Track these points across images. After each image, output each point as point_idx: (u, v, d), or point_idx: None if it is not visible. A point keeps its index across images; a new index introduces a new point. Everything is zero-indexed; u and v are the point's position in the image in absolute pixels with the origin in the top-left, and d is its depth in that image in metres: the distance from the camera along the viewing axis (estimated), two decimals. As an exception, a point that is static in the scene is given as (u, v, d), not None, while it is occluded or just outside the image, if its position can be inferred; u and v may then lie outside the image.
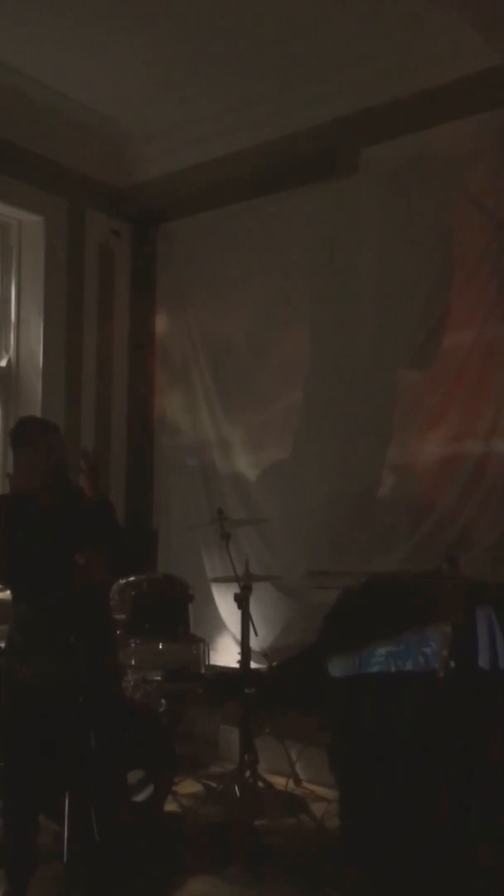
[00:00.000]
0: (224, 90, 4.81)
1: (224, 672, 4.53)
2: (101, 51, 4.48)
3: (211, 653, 4.53)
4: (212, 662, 4.52)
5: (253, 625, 4.20)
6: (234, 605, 4.20)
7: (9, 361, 5.25)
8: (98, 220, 5.56)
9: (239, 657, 4.25)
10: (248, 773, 4.08)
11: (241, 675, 4.21)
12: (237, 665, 4.27)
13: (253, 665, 4.32)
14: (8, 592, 3.15)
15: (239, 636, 4.29)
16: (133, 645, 4.19)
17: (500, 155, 4.13)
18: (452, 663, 3.40)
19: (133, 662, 4.19)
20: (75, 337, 5.40)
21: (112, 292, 5.69)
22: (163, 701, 4.21)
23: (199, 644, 4.39)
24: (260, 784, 4.10)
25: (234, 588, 4.18)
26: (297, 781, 4.32)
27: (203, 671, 4.37)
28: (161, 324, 5.69)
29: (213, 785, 4.21)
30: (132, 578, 4.31)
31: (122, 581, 4.30)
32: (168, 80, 4.75)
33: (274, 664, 4.58)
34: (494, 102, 4.14)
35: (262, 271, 5.08)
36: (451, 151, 4.28)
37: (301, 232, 4.90)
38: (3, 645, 3.27)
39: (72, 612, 2.79)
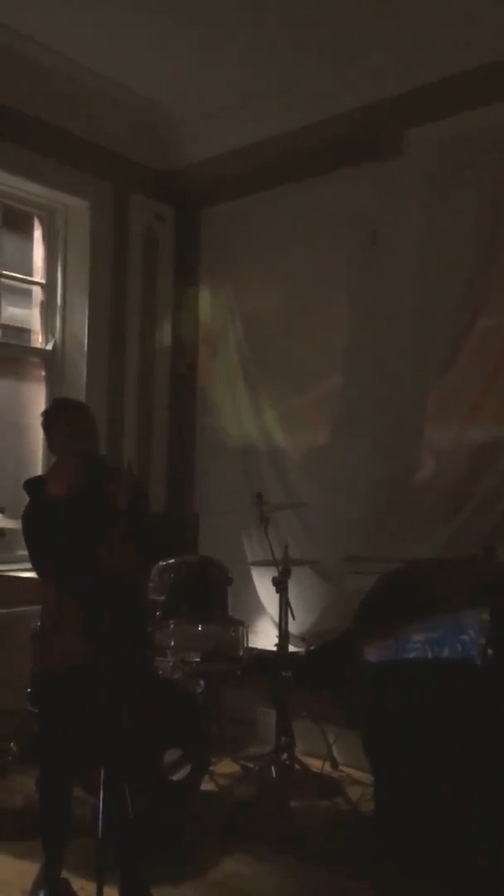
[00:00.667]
0: (268, 72, 4.79)
1: (262, 655, 4.55)
2: (146, 33, 4.49)
3: (249, 635, 4.56)
4: (250, 645, 4.54)
5: (291, 608, 4.21)
6: (273, 588, 4.22)
7: (55, 345, 5.33)
8: (142, 204, 5.59)
9: (277, 640, 4.28)
10: (284, 755, 4.11)
11: (279, 657, 4.24)
12: (275, 648, 4.30)
13: (291, 648, 4.35)
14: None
15: (277, 619, 4.31)
16: (172, 626, 4.24)
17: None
18: (490, 651, 3.38)
19: (172, 644, 4.23)
20: (119, 320, 5.45)
21: (156, 276, 5.72)
22: (201, 682, 4.25)
23: (238, 626, 4.42)
24: (296, 766, 4.13)
25: (273, 572, 4.19)
26: (334, 764, 4.33)
27: (241, 653, 4.40)
28: (204, 307, 5.71)
29: (250, 766, 4.24)
30: (171, 561, 4.36)
31: (162, 563, 4.34)
32: (212, 62, 4.74)
33: (311, 648, 4.60)
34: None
35: (305, 254, 5.06)
36: (496, 133, 4.20)
37: (344, 215, 4.87)
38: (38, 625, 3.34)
39: (99, 595, 2.81)
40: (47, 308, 5.35)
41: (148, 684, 3.65)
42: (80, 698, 2.87)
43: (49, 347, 5.32)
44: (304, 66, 4.69)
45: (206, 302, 5.70)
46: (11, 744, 4.19)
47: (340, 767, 4.34)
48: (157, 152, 5.65)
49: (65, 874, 3.07)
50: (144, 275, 5.64)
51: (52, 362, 5.32)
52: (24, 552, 3.17)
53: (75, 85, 4.93)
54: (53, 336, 5.34)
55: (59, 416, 3.11)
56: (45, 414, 3.17)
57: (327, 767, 4.29)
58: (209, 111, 5.27)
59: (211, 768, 4.03)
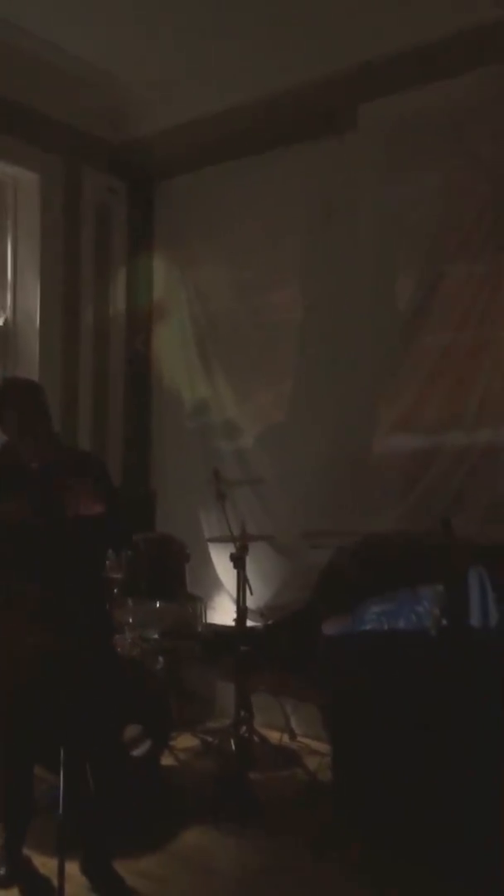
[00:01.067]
0: (222, 44, 4.71)
1: (220, 630, 4.59)
2: (98, 2, 4.38)
3: (207, 611, 4.59)
4: (208, 621, 4.57)
5: (249, 584, 4.24)
6: (231, 564, 4.24)
7: (6, 321, 5.23)
8: (95, 178, 5.49)
9: (235, 616, 4.31)
10: (243, 728, 4.16)
11: (237, 633, 4.27)
12: (233, 623, 4.33)
13: (249, 623, 4.38)
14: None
15: (235, 595, 4.34)
16: (130, 603, 4.24)
17: (500, 111, 4.06)
18: (444, 622, 3.45)
19: (130, 621, 4.24)
20: (72, 295, 5.36)
21: (109, 250, 5.64)
22: (160, 658, 4.28)
23: (196, 603, 4.45)
24: (255, 739, 4.18)
25: (231, 548, 4.21)
26: (292, 736, 4.40)
27: (200, 629, 4.43)
28: (159, 281, 5.65)
29: (210, 740, 4.29)
30: (129, 538, 4.34)
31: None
32: (166, 33, 4.64)
33: (269, 622, 4.64)
34: (495, 57, 4.06)
35: (260, 229, 5.03)
36: (451, 108, 4.21)
37: (299, 189, 4.85)
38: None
39: (59, 569, 2.80)
40: (-3, 284, 5.25)
41: (106, 661, 3.65)
42: (36, 675, 2.86)
43: (0, 323, 5.23)
44: (259, 39, 4.63)
45: (160, 277, 5.64)
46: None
47: (298, 738, 4.41)
48: (110, 124, 5.54)
49: (26, 851, 3.07)
50: (97, 249, 5.55)
51: (3, 338, 5.22)
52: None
53: (24, 55, 4.79)
54: (4, 312, 5.24)
55: (5, 396, 3.04)
56: None
57: (285, 739, 4.35)
58: (163, 83, 5.18)
59: (171, 743, 4.06)
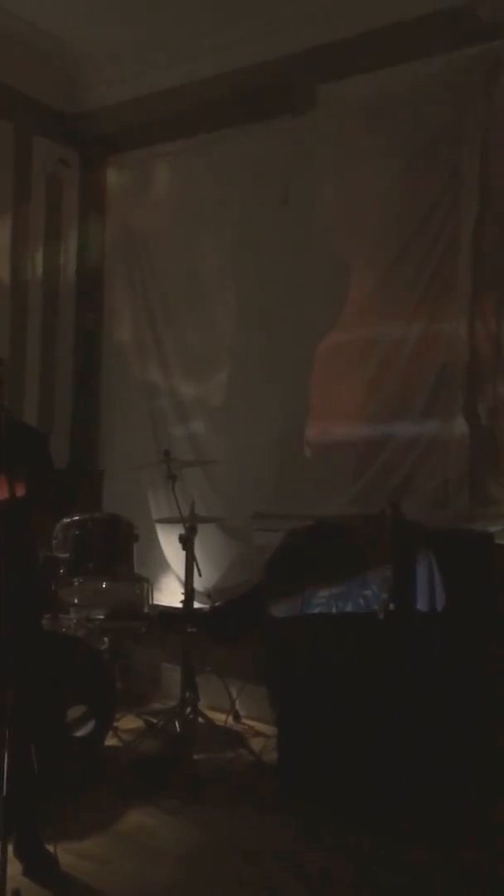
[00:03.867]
0: (181, 17, 4.64)
1: (167, 611, 4.56)
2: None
3: (154, 592, 4.55)
4: (155, 602, 4.54)
5: (197, 565, 4.21)
6: (179, 545, 4.20)
7: (-49, 293, 5.10)
8: (46, 147, 5.38)
9: (182, 597, 4.28)
10: (188, 710, 4.14)
11: (184, 614, 4.25)
12: (180, 604, 4.30)
13: (196, 605, 4.36)
14: None
15: (183, 576, 4.31)
16: (76, 583, 4.18)
17: (458, 97, 4.08)
18: (392, 606, 3.48)
19: (76, 601, 4.18)
20: (21, 267, 5.24)
21: (59, 221, 5.53)
22: (105, 639, 4.23)
23: (143, 583, 4.40)
24: (200, 720, 4.17)
25: (179, 529, 4.17)
26: (237, 717, 4.40)
27: (146, 610, 4.39)
28: (111, 256, 5.55)
29: (154, 721, 4.26)
30: (76, 517, 4.28)
31: (67, 520, 4.26)
32: (124, 3, 4.55)
33: (217, 604, 4.63)
34: (454, 44, 4.08)
35: (215, 206, 4.99)
36: (409, 91, 4.21)
37: (256, 168, 4.81)
38: None
39: None
40: None
41: (48, 641, 3.60)
42: None
43: None
44: (219, 14, 4.57)
45: (112, 251, 5.54)
46: None
47: (243, 720, 4.41)
48: (63, 94, 5.42)
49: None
50: (48, 220, 5.44)
51: None
52: None
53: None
54: (-49, 283, 5.11)
55: None
56: None
57: (230, 721, 4.35)
58: (119, 54, 5.09)
59: (115, 724, 4.02)
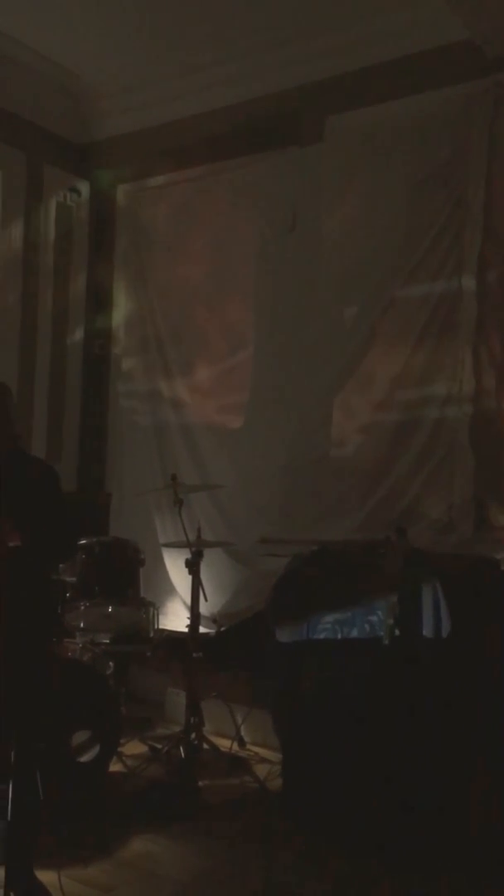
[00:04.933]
0: (190, 50, 4.74)
1: (172, 636, 4.56)
2: (69, 4, 4.37)
3: (160, 617, 4.56)
4: (161, 626, 4.54)
5: (203, 590, 4.23)
6: (185, 570, 4.22)
7: (-38, 319, 5.15)
8: (57, 176, 5.45)
9: (188, 621, 4.29)
10: (193, 735, 4.14)
11: (190, 639, 4.25)
12: (186, 629, 4.31)
13: (201, 630, 4.36)
14: None
15: (188, 601, 4.32)
16: (82, 607, 4.19)
17: (463, 130, 4.14)
18: (397, 632, 3.48)
19: (82, 625, 4.19)
20: (31, 293, 5.30)
21: (70, 249, 5.59)
22: (110, 663, 4.23)
23: (149, 608, 4.41)
24: (205, 746, 4.16)
25: (186, 553, 4.19)
26: (242, 744, 4.39)
27: (152, 634, 4.40)
28: (119, 283, 5.61)
29: (159, 746, 4.25)
30: (83, 541, 4.30)
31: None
32: (134, 36, 4.66)
33: (222, 629, 4.63)
34: (459, 77, 4.14)
35: (223, 235, 5.04)
36: (415, 124, 4.27)
37: (263, 198, 4.87)
38: None
39: None
40: (-45, 281, 5.17)
41: (53, 666, 3.59)
42: None
43: (-43, 322, 5.15)
44: (228, 47, 4.67)
45: (121, 278, 5.60)
46: None
47: (248, 746, 4.40)
48: (75, 125, 5.52)
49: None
50: (58, 248, 5.50)
51: (-41, 337, 5.14)
52: None
53: (-9, 50, 4.76)
54: (-38, 310, 5.16)
55: None
56: None
57: (235, 747, 4.34)
58: (129, 86, 5.18)
59: (119, 749, 4.02)
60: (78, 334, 5.67)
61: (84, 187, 5.64)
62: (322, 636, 3.68)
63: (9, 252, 5.15)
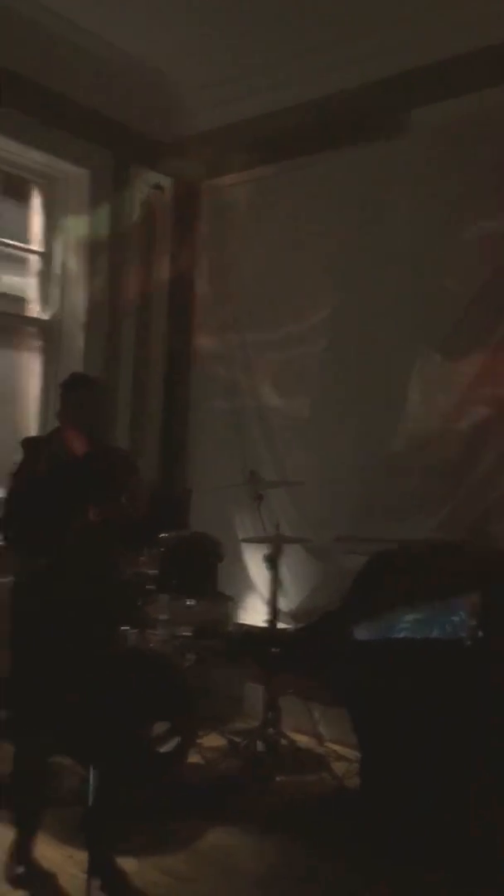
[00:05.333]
0: (273, 45, 4.72)
1: (251, 631, 4.59)
2: (152, 1, 4.41)
3: (239, 611, 4.59)
4: (239, 621, 4.57)
5: (281, 586, 4.23)
6: (264, 565, 4.24)
7: (52, 315, 5.28)
8: (142, 174, 5.52)
9: (266, 617, 4.30)
10: (271, 730, 4.15)
11: (268, 634, 4.27)
12: (264, 624, 4.32)
13: (280, 625, 4.37)
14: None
15: (267, 596, 4.33)
16: (162, 600, 4.25)
17: None
18: (480, 633, 3.42)
19: (161, 617, 4.25)
20: (117, 290, 5.39)
21: (154, 246, 5.66)
22: (190, 656, 4.28)
23: (228, 602, 4.45)
24: (283, 741, 4.17)
25: (264, 549, 4.21)
26: (320, 740, 4.38)
27: (230, 629, 4.43)
28: (201, 279, 5.66)
29: (237, 740, 4.29)
30: (164, 535, 4.36)
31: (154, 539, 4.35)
32: (216, 33, 4.67)
33: (300, 625, 4.63)
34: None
35: (304, 229, 5.02)
36: (502, 115, 4.16)
37: (345, 192, 4.83)
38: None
39: (73, 563, 2.83)
40: (45, 278, 5.30)
41: (130, 658, 3.66)
42: (56, 670, 2.87)
43: (46, 317, 5.27)
44: (310, 40, 4.63)
45: (203, 274, 5.65)
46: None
47: (326, 743, 4.39)
48: (159, 122, 5.57)
49: (54, 843, 3.09)
50: (142, 245, 5.58)
51: (49, 333, 5.27)
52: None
53: (79, 52, 4.84)
54: (50, 306, 5.29)
55: (66, 389, 3.14)
56: (61, 384, 3.21)
57: (313, 743, 4.33)
58: (212, 83, 5.19)
59: (198, 742, 4.06)
60: (161, 328, 5.73)
61: (167, 183, 5.70)
62: (401, 635, 3.64)
63: (97, 248, 5.24)
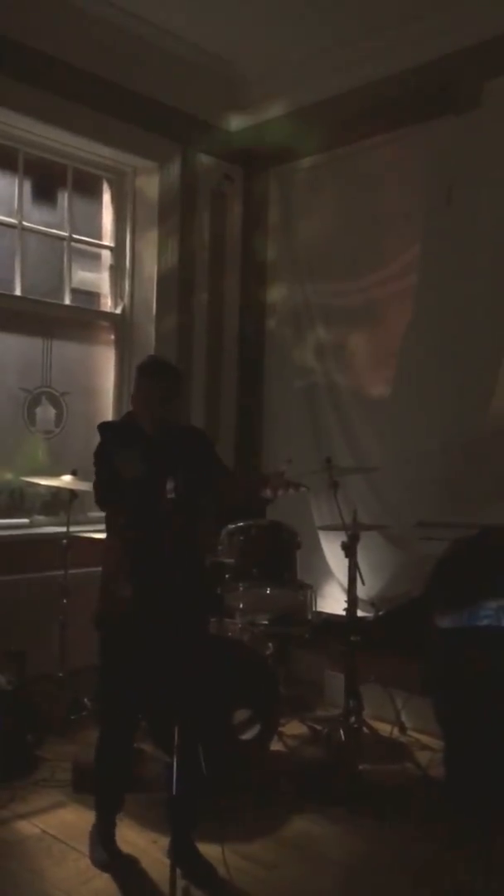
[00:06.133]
0: (338, 24, 4.65)
1: (330, 619, 4.55)
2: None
3: (318, 599, 4.56)
4: (318, 609, 4.55)
5: (360, 573, 4.19)
6: (342, 553, 4.20)
7: (124, 308, 5.34)
8: (211, 164, 5.52)
9: (345, 605, 4.27)
10: (352, 719, 4.12)
11: (348, 622, 4.23)
12: (343, 612, 4.29)
13: (359, 613, 4.33)
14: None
15: (345, 584, 4.29)
16: (241, 589, 4.26)
17: None
18: None
19: (241, 606, 4.26)
20: (187, 282, 5.42)
21: (224, 236, 5.66)
22: (270, 644, 4.28)
23: (306, 590, 4.43)
24: (365, 730, 4.14)
25: (342, 536, 4.17)
26: (402, 729, 4.34)
27: (310, 617, 4.41)
28: (273, 267, 5.64)
29: (319, 728, 4.27)
30: (240, 524, 4.37)
31: (232, 526, 4.36)
32: (282, 16, 4.62)
33: (380, 613, 4.58)
34: None
35: (377, 211, 4.94)
36: None
37: (417, 171, 4.74)
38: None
39: (159, 546, 2.84)
40: (116, 272, 5.36)
41: (215, 645, 3.68)
42: (141, 655, 2.89)
43: (118, 311, 5.34)
44: (376, 17, 4.54)
45: (275, 262, 5.62)
46: (86, 700, 4.30)
47: (409, 732, 4.34)
48: (226, 111, 5.57)
49: (138, 828, 3.13)
50: (212, 236, 5.59)
51: (121, 325, 5.34)
52: (96, 514, 3.20)
53: (144, 44, 4.87)
54: (122, 299, 5.35)
55: (141, 374, 3.14)
56: (137, 367, 3.21)
57: (396, 732, 4.29)
58: (279, 67, 5.16)
59: (280, 729, 4.06)
60: (233, 317, 5.74)
61: (237, 173, 5.68)
62: (484, 623, 3.56)
63: (167, 241, 5.27)
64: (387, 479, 4.73)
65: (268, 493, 2.98)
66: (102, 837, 3.07)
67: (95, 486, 3.03)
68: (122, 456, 2.87)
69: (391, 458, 4.72)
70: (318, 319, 5.26)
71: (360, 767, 3.90)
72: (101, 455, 3.01)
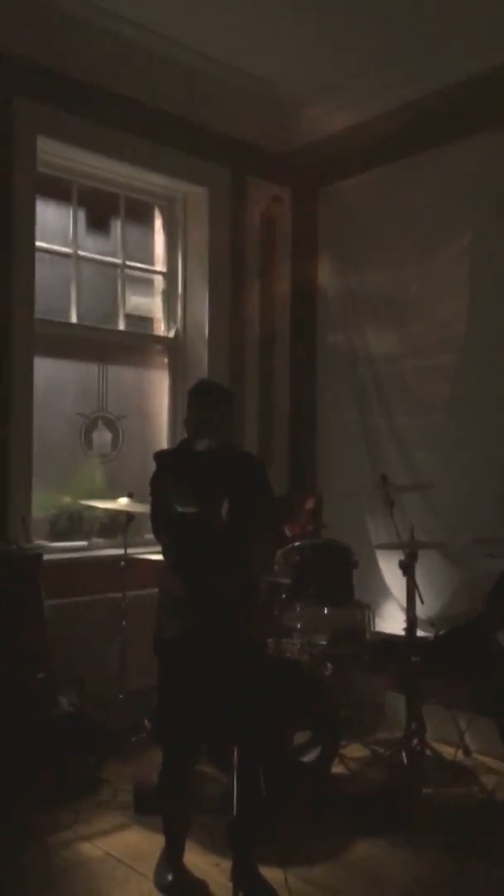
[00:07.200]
0: (380, 43, 4.65)
1: (390, 639, 4.50)
2: (256, 13, 4.45)
3: (376, 619, 4.51)
4: (377, 629, 4.49)
5: (419, 592, 4.13)
6: (399, 571, 4.15)
7: (176, 332, 5.40)
8: (260, 187, 5.57)
9: (404, 624, 4.21)
10: (415, 741, 4.05)
11: (407, 642, 4.17)
12: (402, 632, 4.23)
13: (419, 633, 4.27)
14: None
15: (404, 603, 4.24)
16: (298, 608, 4.23)
17: None
18: None
19: (298, 626, 4.23)
20: (239, 305, 5.46)
21: (274, 258, 5.70)
22: (328, 665, 4.24)
23: (364, 610, 4.38)
24: (427, 752, 4.06)
25: (399, 554, 4.12)
26: (467, 752, 4.24)
27: (368, 637, 4.36)
28: (323, 287, 5.65)
29: (380, 750, 4.21)
30: (297, 543, 4.35)
31: (288, 546, 4.34)
32: (326, 38, 4.65)
33: (441, 633, 4.50)
34: None
35: (427, 228, 4.93)
36: None
37: (467, 186, 4.70)
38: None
39: (212, 570, 2.85)
40: (169, 296, 5.43)
41: (273, 666, 3.65)
42: (198, 678, 2.89)
43: (171, 335, 5.40)
44: (419, 35, 4.54)
45: (325, 282, 5.63)
46: (147, 721, 4.31)
47: (474, 755, 4.24)
48: (273, 134, 5.61)
49: (201, 851, 3.11)
50: (263, 258, 5.63)
51: (174, 349, 5.40)
52: (152, 535, 3.22)
53: (191, 71, 4.95)
54: (175, 323, 5.42)
55: (191, 396, 3.18)
56: (189, 391, 3.24)
57: (460, 754, 4.19)
58: (325, 88, 5.18)
59: (341, 752, 4.01)
60: (285, 339, 5.75)
61: (286, 194, 5.72)
62: (549, 641, 3.48)
63: (218, 264, 5.32)
64: (444, 495, 4.67)
65: (287, 532, 2.99)
66: (169, 860, 3.07)
67: (151, 517, 3.09)
68: (172, 490, 2.92)
69: (448, 475, 4.66)
70: (370, 337, 5.24)
71: (424, 791, 3.82)
72: (155, 486, 3.06)
